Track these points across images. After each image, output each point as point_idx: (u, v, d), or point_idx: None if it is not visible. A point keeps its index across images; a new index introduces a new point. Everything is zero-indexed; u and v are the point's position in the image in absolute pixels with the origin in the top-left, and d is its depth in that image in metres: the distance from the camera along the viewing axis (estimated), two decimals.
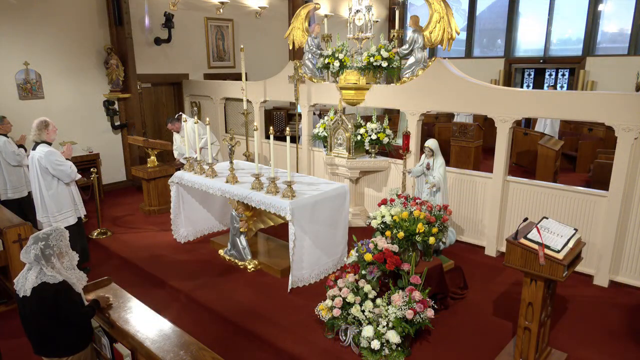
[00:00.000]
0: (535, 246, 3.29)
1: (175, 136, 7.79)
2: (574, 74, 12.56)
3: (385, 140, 6.60)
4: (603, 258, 5.14)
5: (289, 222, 4.83)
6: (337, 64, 6.95)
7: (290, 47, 7.87)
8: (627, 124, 4.78)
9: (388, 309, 3.96)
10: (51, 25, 8.02)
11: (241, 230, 5.66)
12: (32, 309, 2.87)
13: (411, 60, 6.36)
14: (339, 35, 7.22)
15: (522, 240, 3.37)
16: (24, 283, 2.88)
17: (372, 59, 6.52)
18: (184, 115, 6.32)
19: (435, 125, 12.18)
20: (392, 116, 8.42)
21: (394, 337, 3.79)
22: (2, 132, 6.33)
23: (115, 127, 9.11)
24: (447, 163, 5.80)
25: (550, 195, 5.48)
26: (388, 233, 4.41)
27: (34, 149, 5.26)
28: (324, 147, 7.17)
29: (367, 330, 3.89)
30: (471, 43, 14.26)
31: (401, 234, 4.34)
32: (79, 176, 5.49)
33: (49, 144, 5.29)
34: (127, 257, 6.03)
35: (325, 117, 7.21)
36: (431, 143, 5.24)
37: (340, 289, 4.27)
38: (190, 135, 6.94)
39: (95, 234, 6.75)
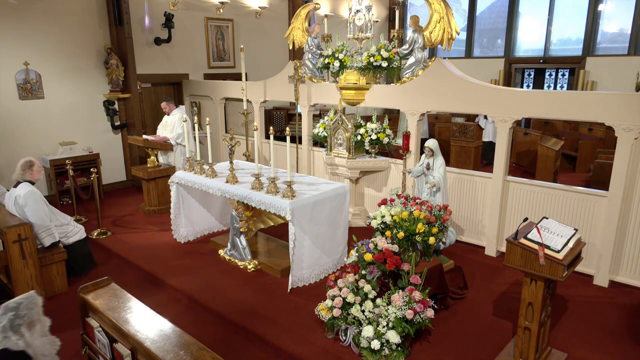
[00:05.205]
0: (535, 246, 3.29)
1: (164, 120, 8.08)
2: (574, 74, 12.56)
3: (385, 140, 6.60)
4: (603, 258, 5.14)
5: (289, 222, 4.83)
6: (337, 64, 6.95)
7: (290, 47, 7.87)
8: (627, 124, 4.79)
9: (388, 309, 3.96)
10: (51, 25, 8.02)
11: (241, 230, 5.66)
12: None
13: (411, 60, 6.36)
14: (339, 35, 7.23)
15: (522, 240, 3.37)
16: None
17: (372, 59, 6.51)
18: (183, 110, 6.37)
19: (435, 125, 12.18)
20: (392, 116, 8.42)
21: (394, 337, 3.79)
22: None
23: (115, 127, 9.11)
24: (447, 163, 5.80)
25: (550, 195, 5.48)
26: (388, 233, 4.41)
27: (15, 186, 5.11)
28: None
29: (367, 330, 3.89)
30: (471, 43, 14.26)
31: (401, 234, 4.34)
32: (56, 239, 5.18)
33: (32, 183, 5.16)
34: (127, 257, 6.03)
35: (325, 117, 7.22)
36: (431, 143, 5.24)
37: (340, 289, 4.26)
38: (172, 125, 7.81)
39: (95, 234, 6.74)
